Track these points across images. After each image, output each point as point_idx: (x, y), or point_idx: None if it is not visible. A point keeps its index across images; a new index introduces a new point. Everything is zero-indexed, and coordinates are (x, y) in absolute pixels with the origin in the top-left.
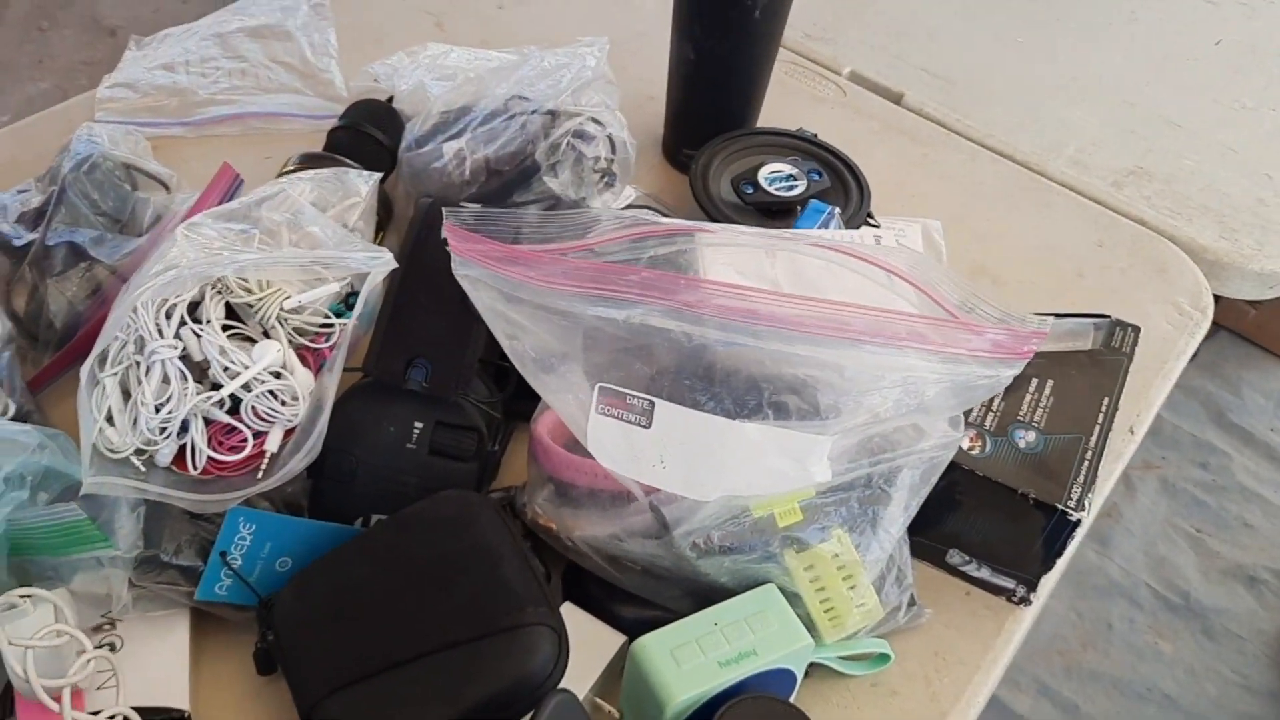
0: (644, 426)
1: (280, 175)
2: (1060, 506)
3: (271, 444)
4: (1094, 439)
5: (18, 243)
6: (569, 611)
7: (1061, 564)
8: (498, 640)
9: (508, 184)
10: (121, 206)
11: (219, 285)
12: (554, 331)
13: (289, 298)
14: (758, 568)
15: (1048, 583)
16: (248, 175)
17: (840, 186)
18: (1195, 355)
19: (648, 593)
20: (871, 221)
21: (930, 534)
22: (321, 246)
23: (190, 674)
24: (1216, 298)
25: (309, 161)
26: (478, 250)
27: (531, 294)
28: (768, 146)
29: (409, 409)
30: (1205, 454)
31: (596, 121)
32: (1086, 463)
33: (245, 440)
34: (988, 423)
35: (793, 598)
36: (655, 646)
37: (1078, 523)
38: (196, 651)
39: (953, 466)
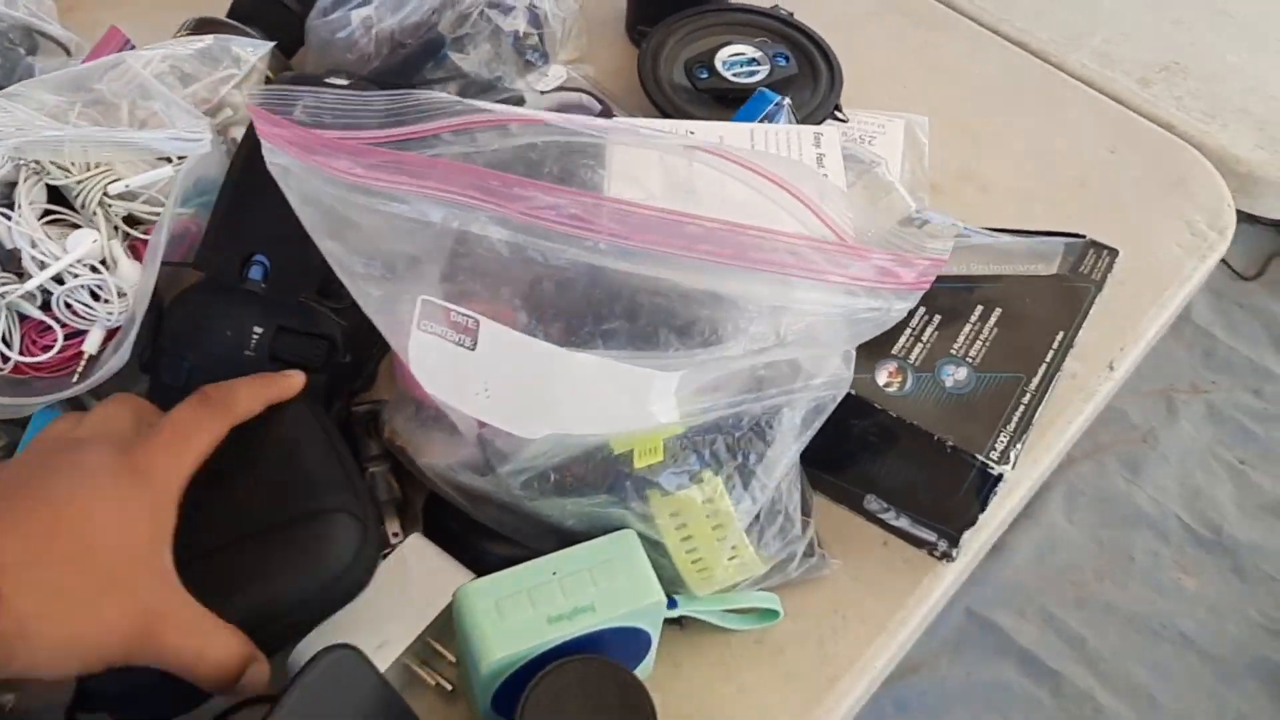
0: (468, 348)
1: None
2: (980, 458)
3: (90, 345)
4: (1036, 380)
5: None
6: (417, 544)
7: (993, 518)
8: (292, 530)
9: (410, 58)
10: (9, 73)
11: (36, 165)
12: (372, 236)
13: (115, 181)
14: (606, 512)
15: (977, 537)
16: (160, 36)
17: (809, 73)
18: (1263, 272)
19: (505, 529)
20: (839, 115)
21: (846, 476)
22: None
23: None
24: (1244, 217)
25: (203, 27)
26: (289, 138)
27: (348, 191)
28: (734, 25)
29: (248, 311)
30: (1261, 379)
31: None
32: (1022, 408)
33: (55, 339)
34: (914, 355)
35: (655, 546)
36: (478, 595)
37: (999, 477)
38: None
39: (866, 405)
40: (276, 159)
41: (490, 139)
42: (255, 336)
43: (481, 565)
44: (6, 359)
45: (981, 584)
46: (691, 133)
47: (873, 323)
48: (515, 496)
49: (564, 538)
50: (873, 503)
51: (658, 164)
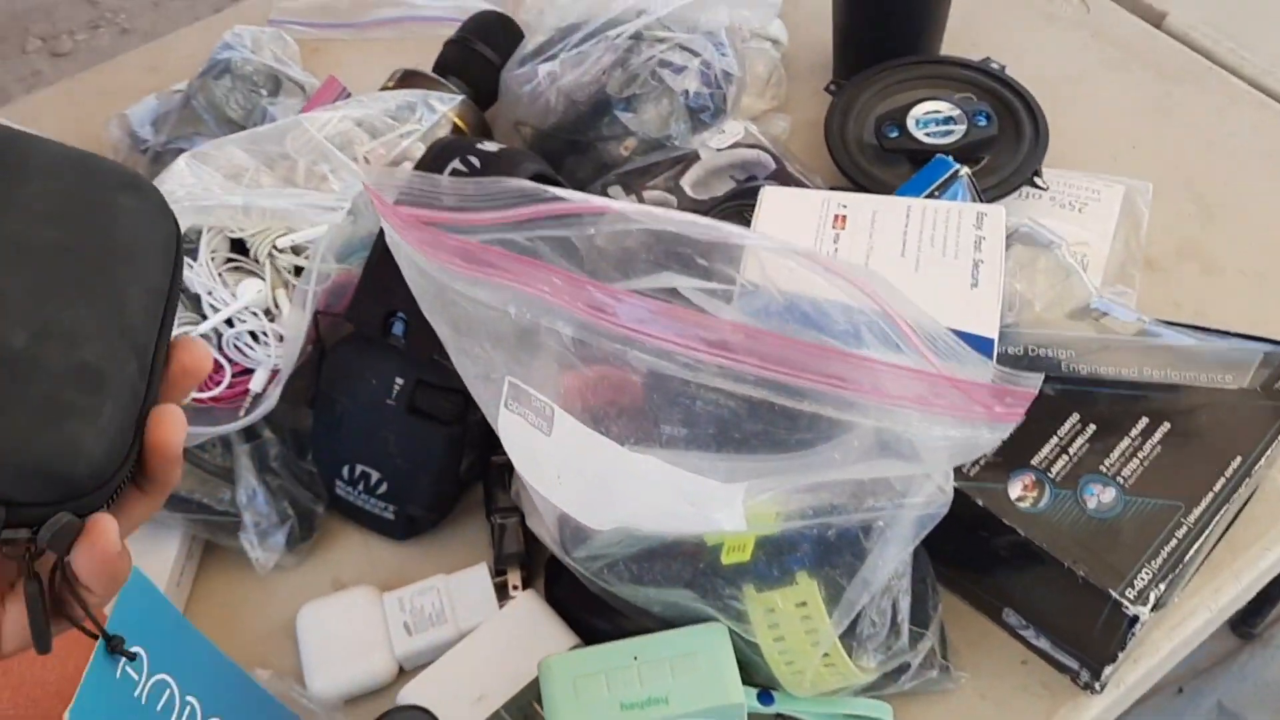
0: (544, 433)
1: (381, 91)
2: (1115, 595)
3: (255, 384)
4: (1197, 513)
5: (142, 147)
6: (529, 601)
7: (1152, 652)
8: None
9: (583, 117)
10: (248, 114)
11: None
12: (465, 314)
13: (283, 235)
14: (693, 606)
15: (1133, 671)
16: (377, 84)
17: (1011, 135)
18: None
19: (612, 600)
20: (1038, 182)
21: (983, 584)
22: (329, 186)
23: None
24: None
25: (407, 80)
26: (393, 216)
27: (438, 272)
28: (937, 79)
29: (391, 364)
30: None
31: (688, 50)
32: (1174, 542)
33: (223, 377)
34: (1056, 469)
35: (748, 642)
36: (559, 670)
37: (1136, 619)
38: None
39: (994, 520)
40: (391, 234)
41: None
42: (397, 388)
43: (589, 631)
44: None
45: (1239, 679)
46: (844, 205)
47: (965, 451)
48: (593, 576)
49: (664, 620)
50: (1011, 617)
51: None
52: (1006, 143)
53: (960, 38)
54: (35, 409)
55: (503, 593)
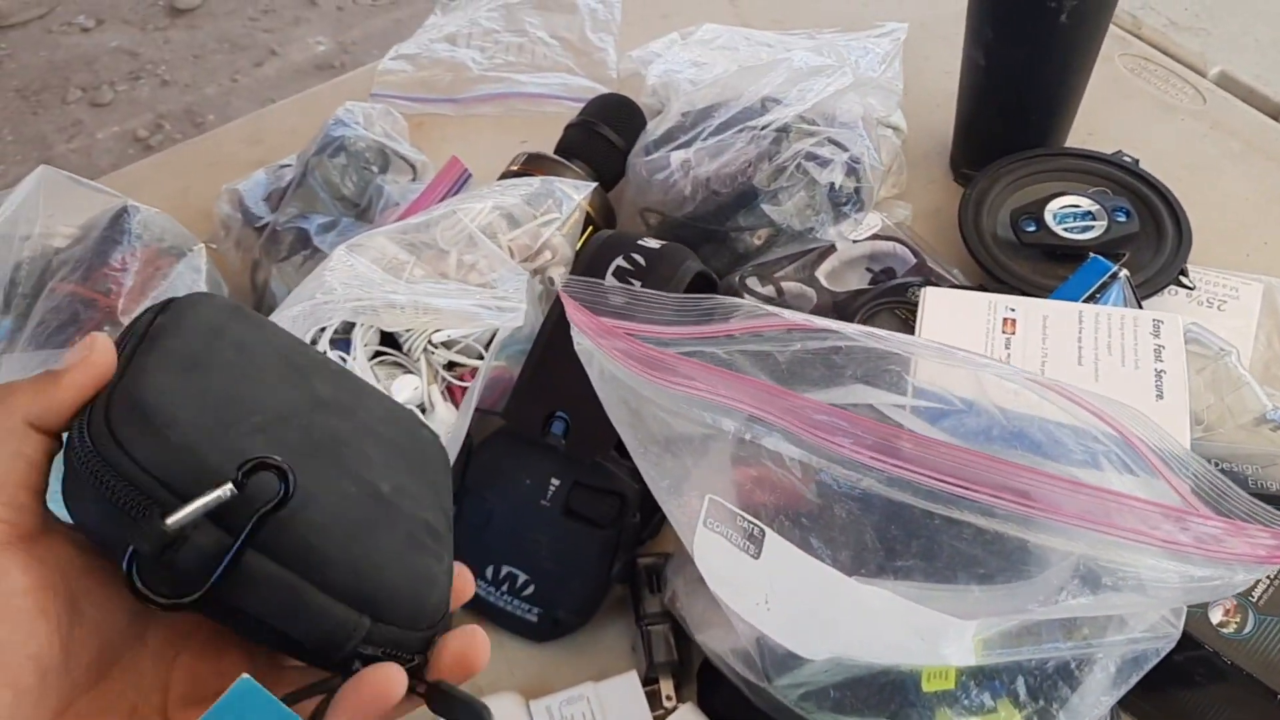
0: (752, 556)
1: (503, 175)
2: None
3: None
4: None
5: (258, 224)
6: (685, 714)
7: None
8: None
9: (724, 206)
10: (361, 191)
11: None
12: (664, 428)
13: (439, 331)
14: None
15: None
16: (500, 160)
17: (1153, 231)
18: None
19: (781, 716)
20: (1184, 282)
21: (1159, 704)
22: (483, 277)
23: None
24: None
25: (533, 162)
26: (590, 325)
27: (642, 386)
28: (1068, 172)
29: (548, 464)
30: None
31: (835, 143)
32: None
33: None
34: (1258, 593)
35: None
36: None
37: None
38: None
39: (1193, 642)
40: (581, 341)
41: (787, 341)
42: (552, 488)
43: None
44: None
45: None
46: (1012, 309)
47: (1209, 591)
48: (792, 704)
49: None
50: None
51: (972, 379)
52: (1147, 239)
53: (1078, 128)
54: (402, 540)
55: (654, 702)
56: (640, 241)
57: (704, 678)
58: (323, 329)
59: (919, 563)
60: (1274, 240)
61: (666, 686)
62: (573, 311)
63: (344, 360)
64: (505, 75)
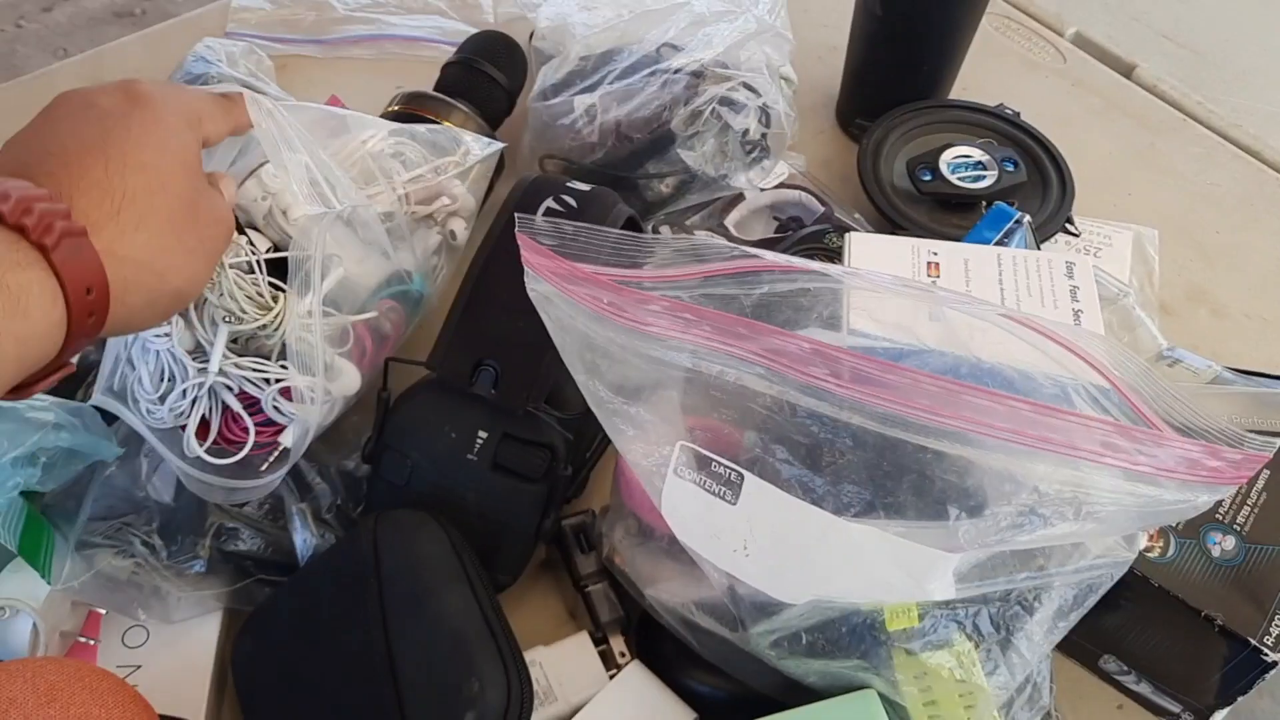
0: (729, 502)
1: (384, 114)
2: (1254, 642)
3: (286, 439)
4: None
5: None
6: (637, 673)
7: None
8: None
9: (638, 152)
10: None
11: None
12: (634, 373)
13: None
14: (854, 675)
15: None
16: (373, 105)
17: (1039, 181)
18: None
19: (729, 666)
20: (1071, 229)
21: (1083, 632)
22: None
23: (213, 684)
24: None
25: (414, 101)
26: (552, 268)
27: (613, 330)
28: (957, 124)
29: (474, 415)
30: None
31: (749, 88)
32: None
33: (246, 434)
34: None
35: (896, 708)
36: None
37: (1273, 664)
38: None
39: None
40: (538, 286)
41: (754, 284)
42: (480, 441)
43: (691, 701)
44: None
45: None
46: (935, 253)
47: (1174, 514)
48: (761, 652)
49: (790, 684)
50: (1110, 663)
51: (940, 316)
52: (1034, 188)
53: (955, 84)
54: None
55: (608, 661)
56: (569, 184)
57: (642, 631)
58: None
59: (911, 498)
60: (1137, 192)
61: (617, 644)
62: (532, 255)
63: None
64: (375, 16)
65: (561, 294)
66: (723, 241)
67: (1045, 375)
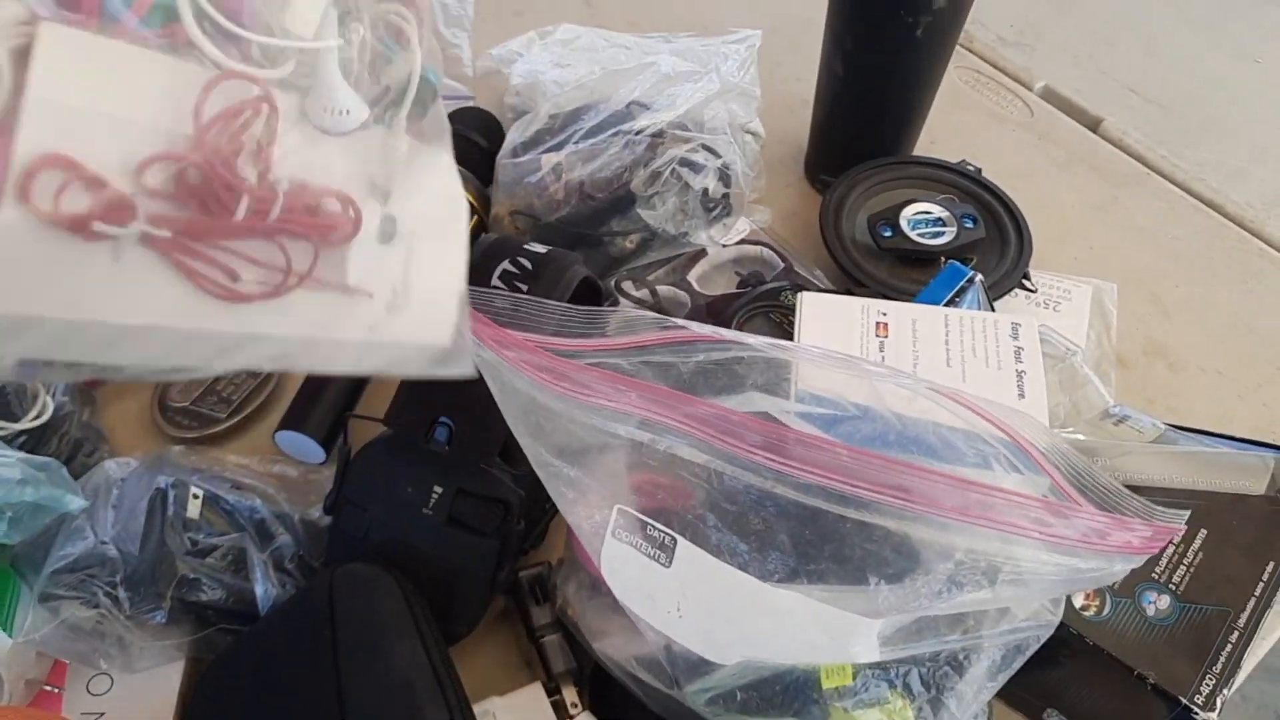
0: (663, 565)
1: None
2: (1185, 701)
3: None
4: (1244, 618)
5: None
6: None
7: None
8: None
9: (601, 210)
10: None
11: None
12: (573, 439)
13: None
14: None
15: None
16: None
17: (997, 238)
18: None
19: (675, 718)
20: (1027, 285)
21: (1026, 684)
22: None
23: None
24: None
25: None
26: (494, 335)
27: (551, 399)
28: (919, 180)
29: (429, 471)
30: None
31: (709, 150)
32: (1229, 647)
33: None
34: None
35: None
36: None
37: None
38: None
39: (1062, 626)
40: (482, 353)
41: (691, 352)
42: (435, 496)
43: None
44: None
45: None
46: (884, 313)
47: (1091, 581)
48: (698, 708)
49: None
50: (1053, 717)
51: (868, 386)
52: (992, 244)
53: (921, 137)
54: None
55: (560, 711)
56: (526, 246)
57: (595, 681)
58: None
59: (831, 565)
60: (1098, 245)
61: (570, 694)
62: (477, 323)
63: None
64: None
65: (504, 362)
66: (653, 315)
67: (967, 441)
